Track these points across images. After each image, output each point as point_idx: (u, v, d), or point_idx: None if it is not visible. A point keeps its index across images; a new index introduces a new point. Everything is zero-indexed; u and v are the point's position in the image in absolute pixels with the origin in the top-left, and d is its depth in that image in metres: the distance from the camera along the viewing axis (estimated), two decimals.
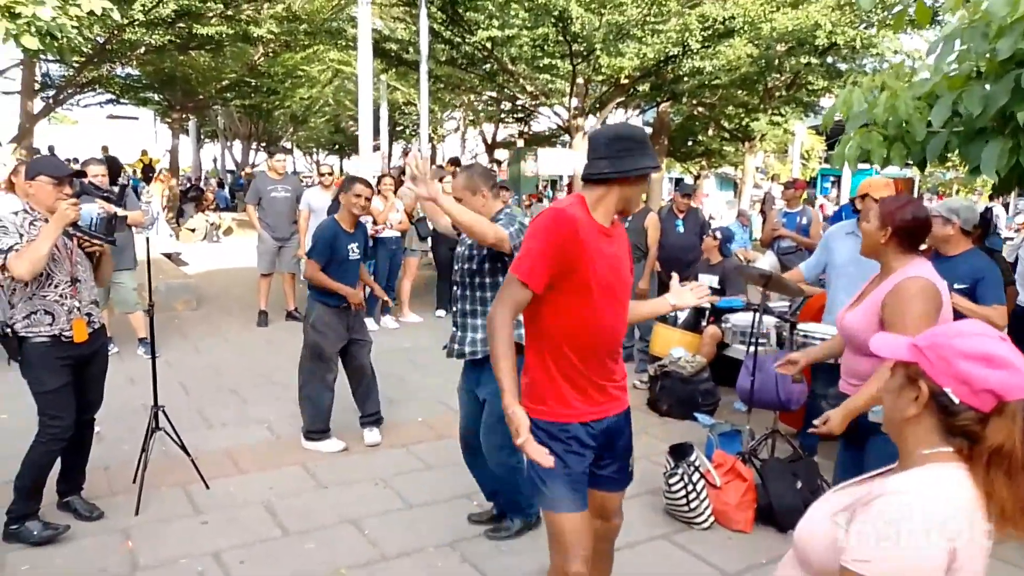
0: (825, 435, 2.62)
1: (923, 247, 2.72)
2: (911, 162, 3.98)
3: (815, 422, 2.66)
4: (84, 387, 3.40)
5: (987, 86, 3.42)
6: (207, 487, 3.88)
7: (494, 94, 17.41)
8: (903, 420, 1.30)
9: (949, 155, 3.81)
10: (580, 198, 2.27)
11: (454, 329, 3.35)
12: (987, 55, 3.46)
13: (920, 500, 1.19)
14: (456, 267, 3.33)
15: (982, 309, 3.42)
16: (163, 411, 3.86)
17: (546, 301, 2.19)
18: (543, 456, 2.07)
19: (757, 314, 4.41)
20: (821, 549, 1.30)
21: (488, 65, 12.85)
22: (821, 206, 10.59)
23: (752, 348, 4.32)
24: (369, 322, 6.16)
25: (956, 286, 3.40)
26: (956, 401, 1.22)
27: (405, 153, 11.37)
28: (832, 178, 22.05)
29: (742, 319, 5.24)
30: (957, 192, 26.00)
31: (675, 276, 2.69)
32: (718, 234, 5.43)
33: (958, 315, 3.38)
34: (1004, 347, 1.22)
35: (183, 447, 3.91)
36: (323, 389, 4.44)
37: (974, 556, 1.18)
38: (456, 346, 3.32)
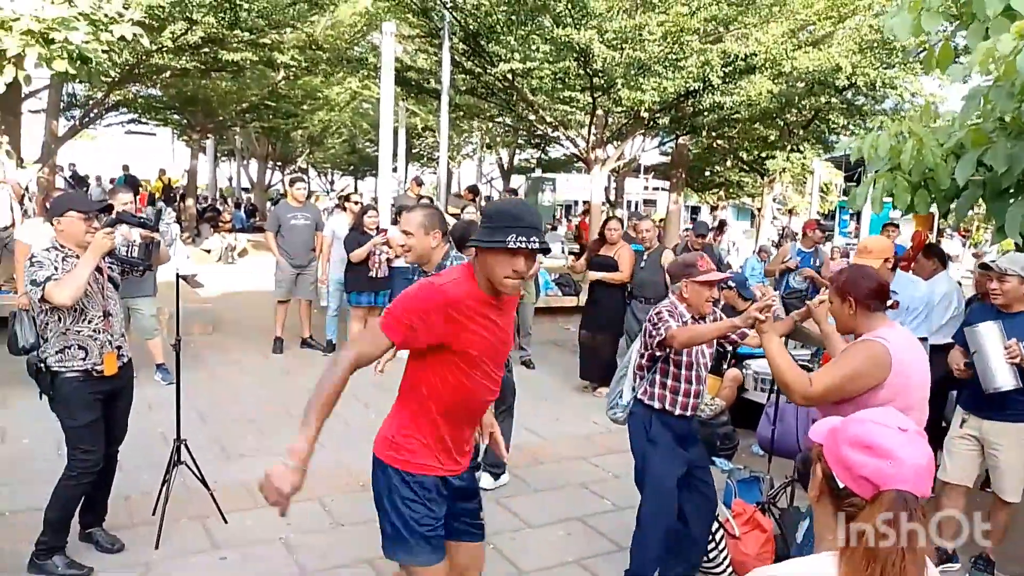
0: None
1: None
2: (935, 209, 4.00)
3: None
4: (112, 420, 3.44)
5: (1011, 143, 3.42)
6: (225, 521, 3.90)
7: (512, 121, 17.53)
8: (812, 500, 1.34)
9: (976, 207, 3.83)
10: (467, 268, 2.27)
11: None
12: (1012, 114, 3.47)
13: None
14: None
15: None
16: (185, 445, 3.89)
17: (428, 365, 2.24)
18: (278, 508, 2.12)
19: None
20: None
21: (508, 94, 12.93)
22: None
23: (773, 396, 4.31)
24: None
25: None
26: (840, 485, 1.25)
27: (418, 183, 11.37)
28: (852, 211, 22.01)
29: (763, 365, 5.21)
30: (978, 229, 25.84)
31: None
32: (731, 283, 5.39)
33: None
34: (896, 438, 1.23)
35: (203, 481, 3.93)
36: None
37: None
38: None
